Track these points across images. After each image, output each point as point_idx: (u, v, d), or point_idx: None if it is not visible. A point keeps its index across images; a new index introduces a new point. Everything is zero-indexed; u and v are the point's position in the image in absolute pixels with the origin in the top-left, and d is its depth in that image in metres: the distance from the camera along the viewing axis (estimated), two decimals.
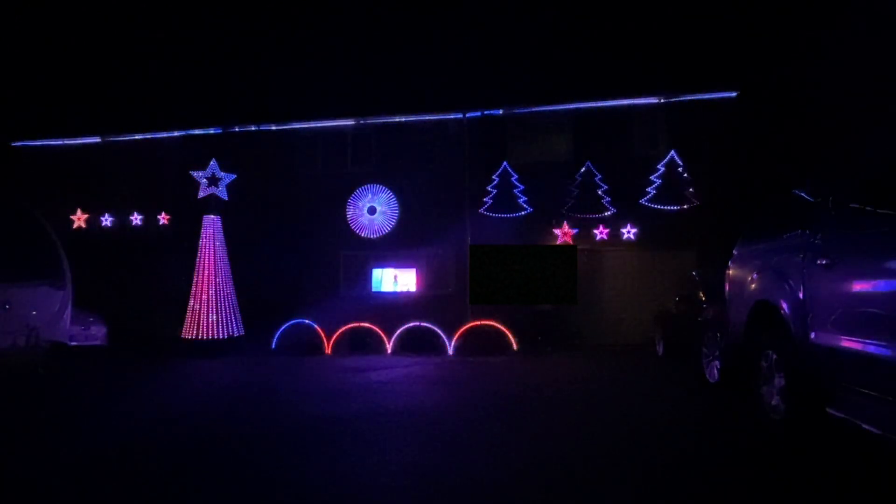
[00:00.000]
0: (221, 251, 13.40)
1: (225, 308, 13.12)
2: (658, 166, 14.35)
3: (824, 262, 4.32)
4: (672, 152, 14.34)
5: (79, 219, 17.16)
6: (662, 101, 14.72)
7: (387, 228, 15.78)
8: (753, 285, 5.65)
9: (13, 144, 17.75)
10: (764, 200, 6.45)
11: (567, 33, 17.12)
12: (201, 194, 13.53)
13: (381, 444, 5.05)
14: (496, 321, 13.23)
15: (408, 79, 16.68)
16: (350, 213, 15.90)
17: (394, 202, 15.77)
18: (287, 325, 13.63)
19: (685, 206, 14.22)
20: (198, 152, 14.86)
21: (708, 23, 15.66)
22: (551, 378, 9.31)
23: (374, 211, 15.81)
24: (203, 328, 12.84)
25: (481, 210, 15.11)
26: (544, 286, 13.89)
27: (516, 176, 14.95)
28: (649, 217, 14.41)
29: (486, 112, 15.48)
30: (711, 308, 8.27)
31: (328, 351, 13.31)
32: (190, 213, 14.59)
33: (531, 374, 9.69)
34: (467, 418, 6.22)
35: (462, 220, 15.33)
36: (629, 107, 14.92)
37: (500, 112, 15.47)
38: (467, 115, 15.59)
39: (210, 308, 12.92)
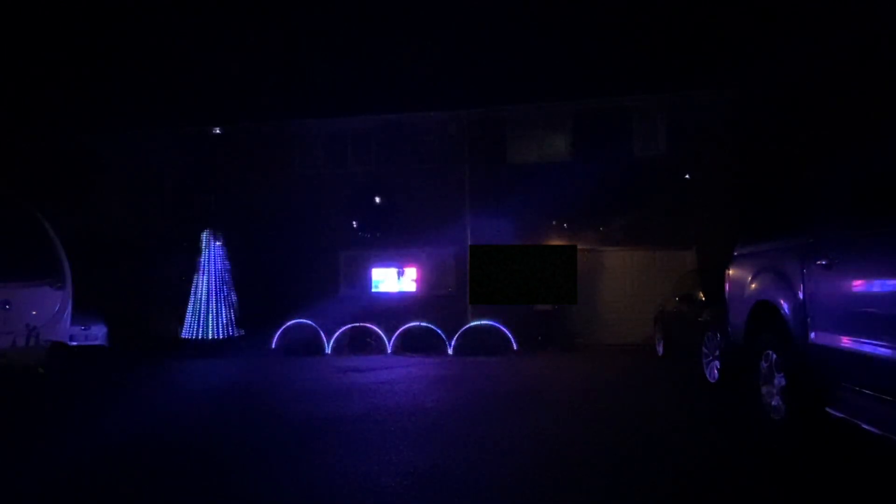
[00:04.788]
0: (221, 251, 13.40)
1: (224, 308, 13.11)
2: (658, 166, 14.34)
3: (824, 262, 4.32)
4: (672, 152, 14.33)
5: (79, 219, 17.14)
6: (662, 99, 14.71)
7: (387, 228, 15.76)
8: (753, 285, 5.64)
9: (13, 144, 17.73)
10: (764, 201, 6.45)
11: (567, 32, 17.14)
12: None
13: (382, 445, 5.05)
14: (496, 321, 13.23)
15: (408, 77, 16.69)
16: (350, 213, 15.88)
17: (394, 202, 15.74)
18: (287, 325, 13.62)
19: (685, 206, 14.21)
20: (198, 152, 14.86)
21: (708, 21, 15.68)
22: (551, 378, 9.31)
23: (374, 211, 15.79)
24: (203, 328, 12.84)
25: (481, 210, 15.09)
26: (544, 286, 13.88)
27: (516, 176, 14.93)
28: (649, 217, 14.41)
29: (486, 111, 15.46)
30: (711, 308, 8.27)
31: (328, 351, 13.31)
32: (190, 213, 14.58)
33: (531, 375, 9.69)
34: (468, 418, 6.21)
35: (462, 220, 15.32)
36: (629, 106, 14.90)
37: (500, 111, 15.44)
38: (467, 115, 15.57)
39: (210, 308, 12.92)
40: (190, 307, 13.06)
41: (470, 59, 16.79)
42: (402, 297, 15.49)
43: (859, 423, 3.90)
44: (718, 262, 7.77)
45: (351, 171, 16.18)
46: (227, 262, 13.48)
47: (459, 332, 13.14)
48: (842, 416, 4.12)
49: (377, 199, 15.75)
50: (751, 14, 15.78)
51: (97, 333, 12.56)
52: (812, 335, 4.47)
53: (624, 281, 14.92)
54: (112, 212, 17.05)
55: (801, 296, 4.64)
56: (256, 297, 14.24)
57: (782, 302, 4.94)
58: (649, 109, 14.94)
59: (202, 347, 12.74)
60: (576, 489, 3.94)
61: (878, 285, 3.82)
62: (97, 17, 19.80)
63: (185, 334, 13.01)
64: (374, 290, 15.81)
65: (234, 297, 13.44)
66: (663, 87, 14.68)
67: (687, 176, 14.20)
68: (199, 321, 12.88)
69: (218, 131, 16.48)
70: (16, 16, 18.70)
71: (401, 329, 13.32)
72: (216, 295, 13.04)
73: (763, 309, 5.38)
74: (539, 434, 5.43)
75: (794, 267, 4.80)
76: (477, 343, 13.04)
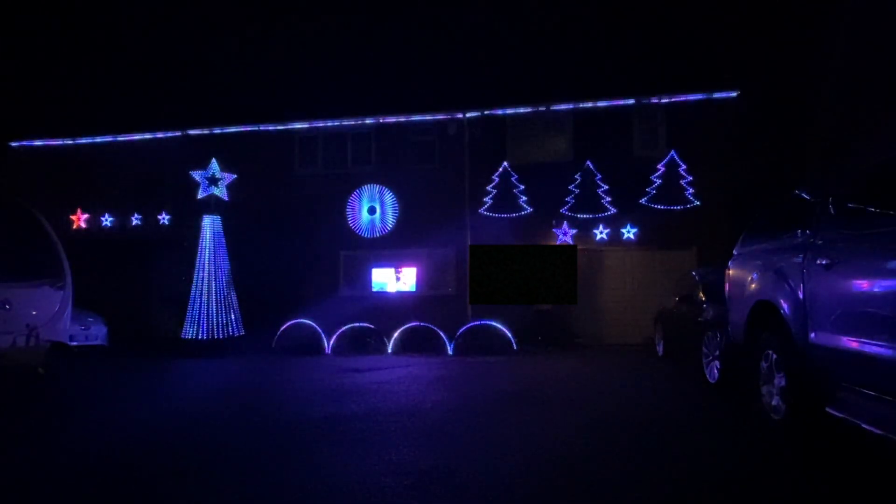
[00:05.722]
0: (221, 251, 13.41)
1: (225, 308, 13.12)
2: (658, 166, 14.35)
3: (824, 262, 4.32)
4: (672, 152, 14.34)
5: (79, 219, 17.17)
6: (662, 100, 14.71)
7: (387, 228, 15.78)
8: (753, 285, 5.65)
9: (12, 144, 17.74)
10: (764, 200, 6.46)
11: (567, 34, 17.14)
12: (201, 194, 13.53)
13: (383, 445, 5.05)
14: (496, 321, 13.23)
15: (408, 79, 16.69)
16: (350, 213, 15.90)
17: (394, 202, 15.77)
18: (287, 325, 13.63)
19: (685, 206, 14.22)
20: (198, 152, 14.86)
21: (708, 23, 15.69)
22: (551, 378, 9.31)
23: (374, 211, 15.81)
24: (203, 328, 12.85)
25: (481, 210, 15.10)
26: (544, 286, 13.90)
27: (516, 176, 14.95)
28: (649, 217, 14.42)
29: (486, 112, 15.47)
30: (711, 308, 8.27)
31: (328, 351, 13.31)
32: (190, 213, 14.59)
33: (531, 374, 9.69)
34: (468, 418, 6.22)
35: (462, 220, 15.32)
36: (629, 107, 14.91)
37: (500, 112, 15.45)
38: (467, 115, 15.58)
39: (210, 308, 12.93)
40: (190, 307, 13.06)
41: (470, 61, 16.79)
42: (402, 297, 15.50)
43: (859, 423, 3.90)
44: (718, 262, 7.78)
45: (351, 171, 16.19)
46: (227, 262, 13.48)
47: (459, 332, 13.14)
48: (842, 416, 4.12)
49: (377, 200, 15.76)
50: (751, 15, 15.78)
51: (97, 333, 12.56)
52: (812, 335, 4.47)
53: (624, 281, 14.93)
54: (113, 211, 17.07)
55: (801, 295, 4.64)
56: (256, 296, 14.25)
57: (782, 302, 4.94)
58: (649, 110, 14.94)
59: (202, 347, 12.74)
60: (576, 489, 3.94)
61: (879, 285, 3.82)
62: (96, 18, 19.79)
63: (185, 334, 13.01)
64: (374, 290, 15.82)
65: (234, 297, 13.45)
66: (663, 88, 14.68)
67: (687, 176, 14.19)
68: (199, 321, 12.88)
69: (219, 132, 16.48)
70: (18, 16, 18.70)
71: (401, 329, 13.33)
72: (216, 295, 13.04)
73: (763, 309, 5.38)
74: (539, 434, 5.43)
75: (794, 266, 4.80)
76: (477, 343, 13.04)
